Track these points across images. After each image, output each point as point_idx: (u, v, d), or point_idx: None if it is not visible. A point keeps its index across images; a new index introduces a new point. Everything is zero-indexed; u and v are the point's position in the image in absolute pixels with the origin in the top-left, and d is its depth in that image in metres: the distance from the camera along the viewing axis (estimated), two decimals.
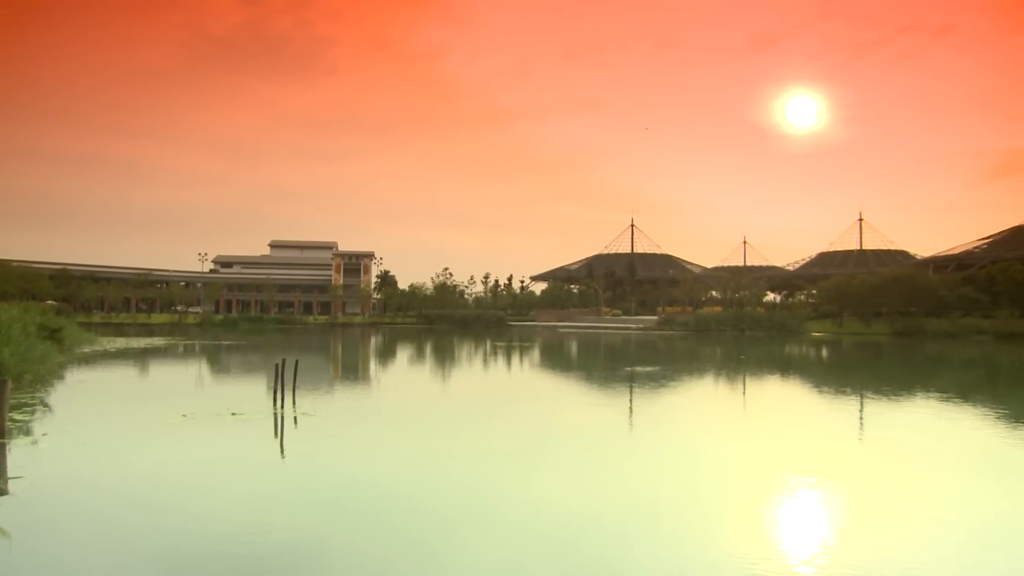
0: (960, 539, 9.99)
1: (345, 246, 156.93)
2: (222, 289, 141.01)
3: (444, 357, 51.80)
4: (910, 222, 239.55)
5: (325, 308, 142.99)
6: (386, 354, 55.79)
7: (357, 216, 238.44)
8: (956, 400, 26.95)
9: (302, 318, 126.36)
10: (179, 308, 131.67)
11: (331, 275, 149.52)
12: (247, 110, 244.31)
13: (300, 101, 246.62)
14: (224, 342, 63.96)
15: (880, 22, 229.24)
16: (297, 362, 24.54)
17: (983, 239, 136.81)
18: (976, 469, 14.82)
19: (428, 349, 60.48)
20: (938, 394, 28.93)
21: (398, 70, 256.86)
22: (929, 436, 18.89)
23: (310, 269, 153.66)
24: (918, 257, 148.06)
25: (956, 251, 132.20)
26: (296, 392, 23.38)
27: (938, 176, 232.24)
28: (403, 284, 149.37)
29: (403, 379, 36.28)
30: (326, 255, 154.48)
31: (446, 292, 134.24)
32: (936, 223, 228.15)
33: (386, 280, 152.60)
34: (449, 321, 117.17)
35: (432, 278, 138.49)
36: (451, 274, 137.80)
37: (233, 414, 20.02)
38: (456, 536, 9.89)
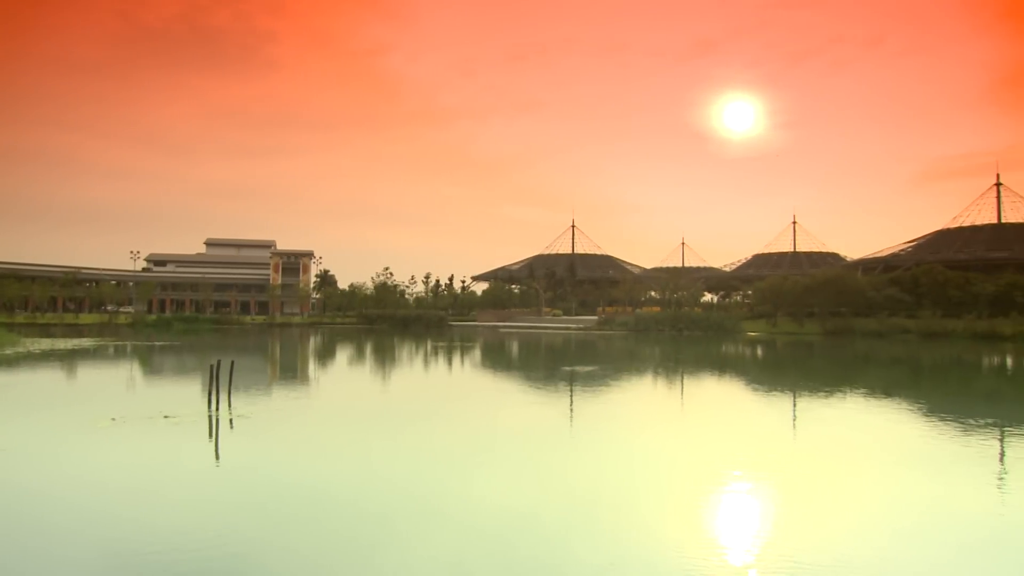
0: (889, 529, 10.34)
1: (284, 245, 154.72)
2: (155, 288, 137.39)
3: (384, 357, 51.39)
4: (841, 225, 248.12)
5: (263, 308, 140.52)
6: (325, 354, 55.06)
7: (296, 215, 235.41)
8: (883, 396, 27.90)
9: (239, 318, 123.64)
10: (110, 308, 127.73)
11: (269, 274, 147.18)
12: (183, 104, 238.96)
13: (238, 96, 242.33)
14: (157, 343, 62.21)
15: (814, 32, 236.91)
16: (233, 363, 24.04)
17: (908, 242, 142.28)
18: (902, 461, 15.36)
19: (368, 349, 59.90)
20: (866, 391, 29.90)
21: (339, 67, 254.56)
22: (858, 431, 19.50)
23: (247, 268, 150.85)
24: (848, 259, 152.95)
25: (883, 254, 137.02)
26: (232, 394, 22.91)
27: (868, 181, 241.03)
28: (343, 284, 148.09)
29: (342, 380, 35.86)
30: (264, 254, 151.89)
31: (386, 292, 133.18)
32: (865, 226, 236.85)
33: (326, 280, 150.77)
34: (389, 321, 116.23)
35: (372, 278, 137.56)
36: (392, 274, 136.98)
37: (165, 417, 19.52)
38: (396, 537, 9.82)
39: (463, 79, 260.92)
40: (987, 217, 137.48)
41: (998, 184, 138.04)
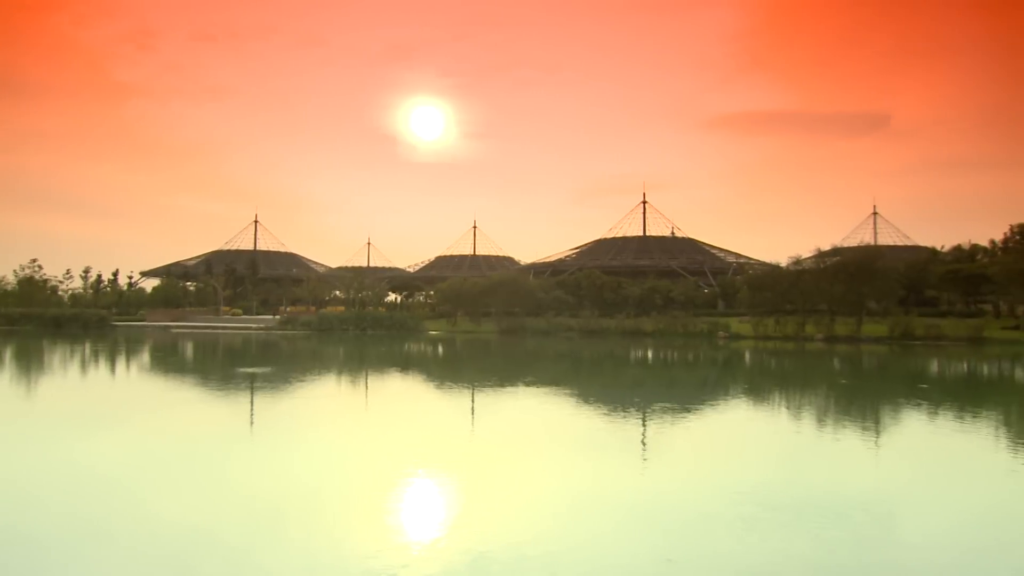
0: (555, 509, 11.30)
1: None
2: None
3: (26, 364, 44.86)
4: (516, 231, 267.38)
5: None
6: None
7: None
8: (549, 387, 30.72)
9: None
10: None
11: None
12: None
13: None
14: None
15: (503, 51, 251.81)
16: None
17: (572, 250, 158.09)
18: (565, 445, 16.98)
19: (6, 355, 51.89)
20: (535, 383, 32.53)
21: None
22: (529, 419, 21.16)
23: None
24: (522, 263, 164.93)
25: (552, 259, 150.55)
26: None
27: (540, 193, 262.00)
28: None
29: None
30: None
31: (34, 288, 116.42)
32: (537, 234, 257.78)
33: None
34: (37, 321, 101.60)
35: (16, 271, 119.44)
36: (41, 267, 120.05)
37: None
38: (51, 567, 8.58)
39: (141, 53, 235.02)
40: (635, 230, 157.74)
41: (644, 202, 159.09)
